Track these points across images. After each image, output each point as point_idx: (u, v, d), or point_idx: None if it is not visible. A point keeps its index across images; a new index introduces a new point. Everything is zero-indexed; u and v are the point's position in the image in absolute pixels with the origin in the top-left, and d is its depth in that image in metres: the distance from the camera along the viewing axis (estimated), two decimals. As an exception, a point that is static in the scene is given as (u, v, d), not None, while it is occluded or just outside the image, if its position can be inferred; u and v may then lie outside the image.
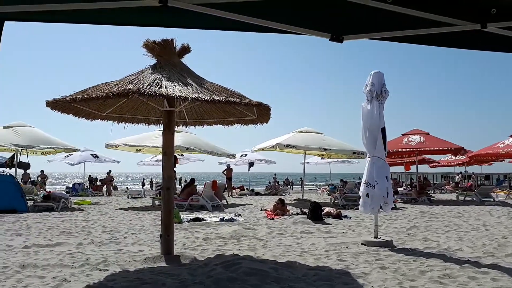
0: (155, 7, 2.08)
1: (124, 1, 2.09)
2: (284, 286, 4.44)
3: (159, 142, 13.48)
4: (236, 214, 11.11)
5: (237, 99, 5.20)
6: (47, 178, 25.75)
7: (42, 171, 24.45)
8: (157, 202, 14.48)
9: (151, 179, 32.06)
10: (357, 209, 12.01)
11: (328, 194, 20.24)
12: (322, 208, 10.37)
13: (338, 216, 10.39)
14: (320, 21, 2.55)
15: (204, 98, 4.96)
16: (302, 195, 17.91)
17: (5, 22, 1.86)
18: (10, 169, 16.18)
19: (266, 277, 4.71)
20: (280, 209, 10.86)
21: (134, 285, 4.45)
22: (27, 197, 14.00)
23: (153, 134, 14.04)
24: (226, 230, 8.15)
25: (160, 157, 20.30)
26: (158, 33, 5.73)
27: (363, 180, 6.92)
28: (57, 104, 5.27)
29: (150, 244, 6.96)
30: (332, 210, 10.86)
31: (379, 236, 7.05)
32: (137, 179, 60.17)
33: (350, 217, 10.72)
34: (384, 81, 6.96)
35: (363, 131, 6.87)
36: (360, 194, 6.95)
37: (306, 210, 10.62)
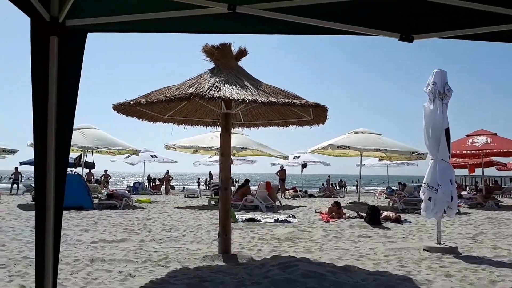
0: (223, 14, 2.12)
1: (195, 9, 2.16)
2: (343, 290, 4.36)
3: (214, 143, 13.87)
4: (291, 215, 11.08)
5: (294, 101, 5.20)
6: (110, 177, 27.28)
7: (105, 171, 25.94)
8: (212, 202, 14.82)
9: (206, 179, 32.77)
10: (418, 213, 11.55)
11: (386, 198, 19.61)
12: (381, 211, 10.06)
13: (398, 220, 10.02)
14: (389, 21, 2.47)
15: (261, 100, 5.01)
16: (358, 198, 17.49)
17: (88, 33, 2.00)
18: (76, 168, 17.28)
19: (323, 280, 4.66)
20: (336, 212, 10.68)
21: (194, 283, 4.58)
22: (92, 195, 14.90)
23: (209, 136, 14.41)
24: (281, 231, 8.16)
25: (215, 157, 20.88)
26: (213, 39, 5.86)
27: (425, 183, 6.62)
28: (122, 108, 5.57)
29: (208, 243, 7.13)
30: (391, 214, 10.49)
31: (442, 242, 6.70)
32: (192, 179, 61.89)
33: (410, 222, 10.30)
34: (447, 80, 6.62)
35: (425, 132, 6.58)
36: (422, 197, 6.65)
37: (363, 214, 10.36)
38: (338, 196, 21.67)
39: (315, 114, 6.03)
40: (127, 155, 21.09)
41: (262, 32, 2.69)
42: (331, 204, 11.33)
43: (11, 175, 23.47)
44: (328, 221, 10.06)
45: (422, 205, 6.66)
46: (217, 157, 20.25)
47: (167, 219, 10.52)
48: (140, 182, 26.13)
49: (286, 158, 17.14)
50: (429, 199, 6.41)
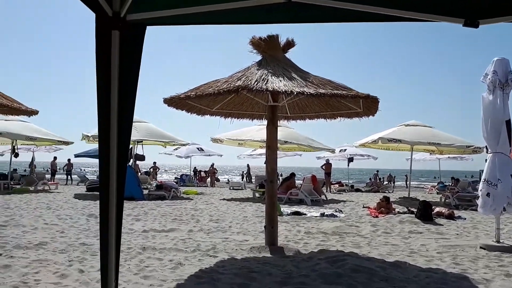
0: (279, 3, 2.09)
1: (251, 0, 2.15)
2: (394, 286, 4.23)
3: (259, 136, 13.92)
4: (337, 210, 10.92)
5: (343, 92, 5.09)
6: (159, 169, 28.22)
7: (154, 163, 26.86)
8: (257, 194, 14.92)
9: (242, 172, 32.91)
10: (473, 209, 10.99)
11: (438, 193, 18.82)
12: (433, 207, 9.67)
13: (451, 217, 9.58)
14: (454, 6, 2.33)
15: (309, 92, 4.94)
16: (408, 193, 16.91)
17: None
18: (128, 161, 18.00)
19: (373, 275, 4.55)
20: (385, 207, 10.38)
21: (242, 273, 4.63)
22: (142, 186, 15.47)
23: (254, 129, 14.48)
24: (328, 225, 8.06)
25: (259, 150, 20.94)
26: (261, 30, 5.85)
27: (483, 178, 6.27)
28: (173, 101, 5.71)
29: (254, 234, 7.18)
30: (443, 210, 10.05)
31: (501, 240, 6.33)
32: (236, 172, 62.57)
33: (465, 218, 9.82)
34: (511, 69, 6.20)
35: (484, 124, 6.21)
36: (479, 193, 6.30)
37: (414, 209, 10.00)
38: (387, 191, 21.07)
39: (365, 105, 5.87)
40: (175, 148, 21.68)
41: (318, 21, 2.63)
42: (380, 199, 11.04)
43: (64, 166, 24.88)
44: (377, 216, 9.81)
45: (479, 201, 6.31)
46: (261, 150, 20.43)
47: (214, 210, 10.72)
48: (187, 174, 26.81)
49: (332, 151, 16.86)
50: (487, 194, 6.06)
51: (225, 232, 7.39)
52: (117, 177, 1.46)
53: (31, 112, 7.10)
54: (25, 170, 22.06)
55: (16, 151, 16.62)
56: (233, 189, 20.86)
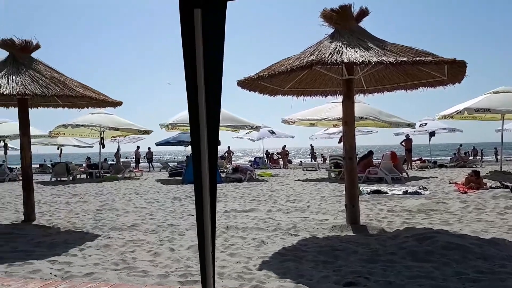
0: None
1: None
2: (493, 264, 3.90)
3: (332, 114, 13.53)
4: (421, 187, 10.35)
5: (426, 58, 4.71)
6: (233, 153, 28.96)
7: (228, 147, 27.62)
8: (332, 174, 14.67)
9: (316, 153, 32.37)
10: None
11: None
12: (531, 180, 8.76)
13: (553, 191, 8.61)
14: None
15: (388, 61, 4.65)
16: (500, 167, 15.50)
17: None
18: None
19: (468, 252, 4.24)
20: (475, 182, 9.60)
21: (326, 251, 4.57)
22: (220, 170, 15.98)
23: (325, 107, 14.13)
24: (412, 203, 7.66)
25: (331, 129, 20.45)
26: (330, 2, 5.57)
27: None
28: (246, 83, 5.72)
29: (334, 214, 7.06)
30: (544, 183, 9.07)
31: None
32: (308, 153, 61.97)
33: None
34: None
35: None
36: None
37: (508, 183, 9.14)
38: (474, 166, 19.54)
39: (450, 72, 5.39)
40: (247, 131, 22.03)
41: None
42: (468, 174, 10.23)
43: (145, 154, 26.52)
44: (466, 192, 9.12)
45: None
46: (334, 129, 19.92)
47: (290, 191, 10.73)
48: (260, 157, 27.18)
49: (412, 126, 15.89)
50: None
51: (303, 212, 7.36)
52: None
53: (116, 104, 7.57)
54: (113, 160, 23.87)
55: (103, 142, 18.04)
56: (306, 170, 20.74)
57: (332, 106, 13.60)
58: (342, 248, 4.67)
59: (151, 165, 25.87)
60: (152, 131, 17.46)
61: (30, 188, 7.11)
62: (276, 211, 7.48)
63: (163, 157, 43.01)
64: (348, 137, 5.91)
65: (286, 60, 5.45)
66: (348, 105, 5.89)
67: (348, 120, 5.90)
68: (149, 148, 26.24)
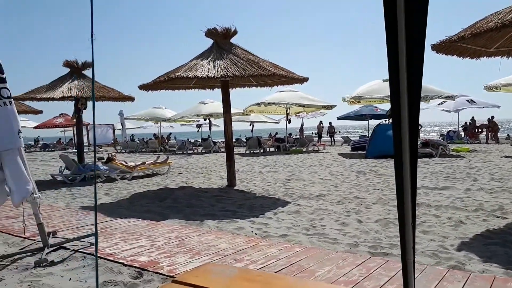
0: None
1: None
2: None
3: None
4: None
5: None
6: (421, 126, 26.71)
7: (330, 123, 26.17)
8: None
9: None
10: None
11: None
12: None
13: None
14: None
15: None
16: None
17: None
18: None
19: None
20: None
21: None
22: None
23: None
24: None
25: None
26: None
27: None
28: (443, 46, 5.14)
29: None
30: None
31: None
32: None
33: None
34: None
35: None
36: None
37: None
38: None
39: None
40: (440, 102, 19.91)
41: None
42: None
43: (327, 129, 26.95)
44: None
45: None
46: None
47: (494, 169, 9.32)
48: (454, 130, 24.35)
49: None
50: None
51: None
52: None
53: (302, 80, 7.91)
54: (296, 135, 25.17)
55: (289, 117, 19.17)
56: (515, 145, 17.60)
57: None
58: None
59: (333, 139, 26.26)
60: (336, 105, 17.53)
61: (231, 158, 8.17)
62: (476, 190, 6.63)
63: (339, 131, 42.94)
64: None
65: (494, 15, 4.64)
66: None
67: None
68: (330, 123, 26.65)
